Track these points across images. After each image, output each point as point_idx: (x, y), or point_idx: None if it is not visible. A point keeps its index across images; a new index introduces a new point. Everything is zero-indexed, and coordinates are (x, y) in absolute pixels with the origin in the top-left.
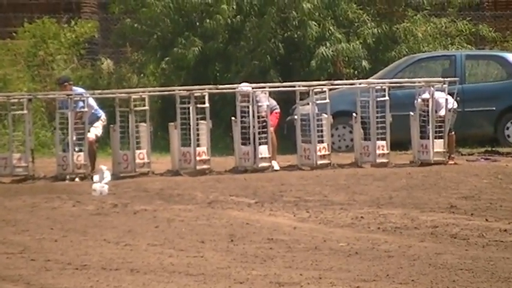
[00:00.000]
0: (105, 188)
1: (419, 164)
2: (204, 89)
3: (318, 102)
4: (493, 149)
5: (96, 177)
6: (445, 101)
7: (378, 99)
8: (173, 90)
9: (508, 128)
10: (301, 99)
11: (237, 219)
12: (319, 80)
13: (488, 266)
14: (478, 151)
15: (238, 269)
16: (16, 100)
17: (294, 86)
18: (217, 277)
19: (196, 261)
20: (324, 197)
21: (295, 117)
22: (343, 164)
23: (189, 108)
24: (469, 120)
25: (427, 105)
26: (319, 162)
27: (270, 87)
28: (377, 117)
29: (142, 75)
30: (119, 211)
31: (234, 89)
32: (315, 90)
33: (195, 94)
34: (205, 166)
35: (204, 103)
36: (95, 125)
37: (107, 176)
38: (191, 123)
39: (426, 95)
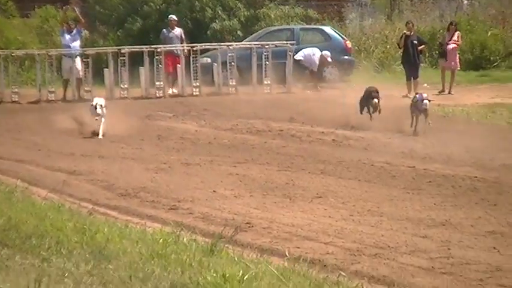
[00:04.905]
0: None
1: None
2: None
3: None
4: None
5: None
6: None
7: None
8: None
9: (324, 71)
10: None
11: (162, 126)
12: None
13: (314, 153)
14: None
15: (163, 155)
16: None
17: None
18: (150, 160)
19: (138, 151)
20: (215, 112)
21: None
22: (228, 93)
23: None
24: (304, 67)
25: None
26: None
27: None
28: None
29: (105, 40)
30: None
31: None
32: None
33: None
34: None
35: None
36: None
37: None
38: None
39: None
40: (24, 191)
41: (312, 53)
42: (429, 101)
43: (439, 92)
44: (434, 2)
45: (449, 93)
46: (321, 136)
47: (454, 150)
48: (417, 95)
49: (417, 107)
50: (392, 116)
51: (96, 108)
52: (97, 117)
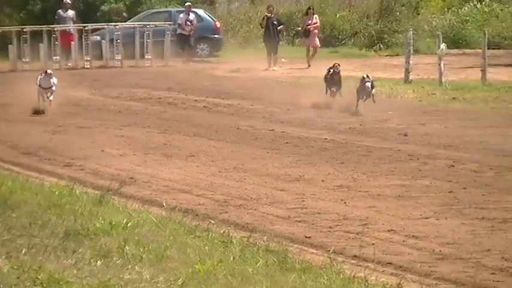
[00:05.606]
0: None
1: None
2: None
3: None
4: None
5: None
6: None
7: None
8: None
9: (197, 48)
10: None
11: (59, 94)
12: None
13: (188, 118)
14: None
15: (58, 119)
16: None
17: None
18: (48, 124)
19: (37, 116)
20: (104, 82)
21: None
22: (115, 66)
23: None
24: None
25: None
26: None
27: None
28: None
29: (10, 20)
30: None
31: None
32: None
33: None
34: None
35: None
36: None
37: None
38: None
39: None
40: None
41: (181, 15)
42: (372, 85)
43: (307, 68)
44: None
45: (308, 66)
46: (195, 103)
47: (308, 115)
48: (364, 79)
49: (362, 89)
50: (257, 86)
51: (45, 78)
52: (48, 90)
